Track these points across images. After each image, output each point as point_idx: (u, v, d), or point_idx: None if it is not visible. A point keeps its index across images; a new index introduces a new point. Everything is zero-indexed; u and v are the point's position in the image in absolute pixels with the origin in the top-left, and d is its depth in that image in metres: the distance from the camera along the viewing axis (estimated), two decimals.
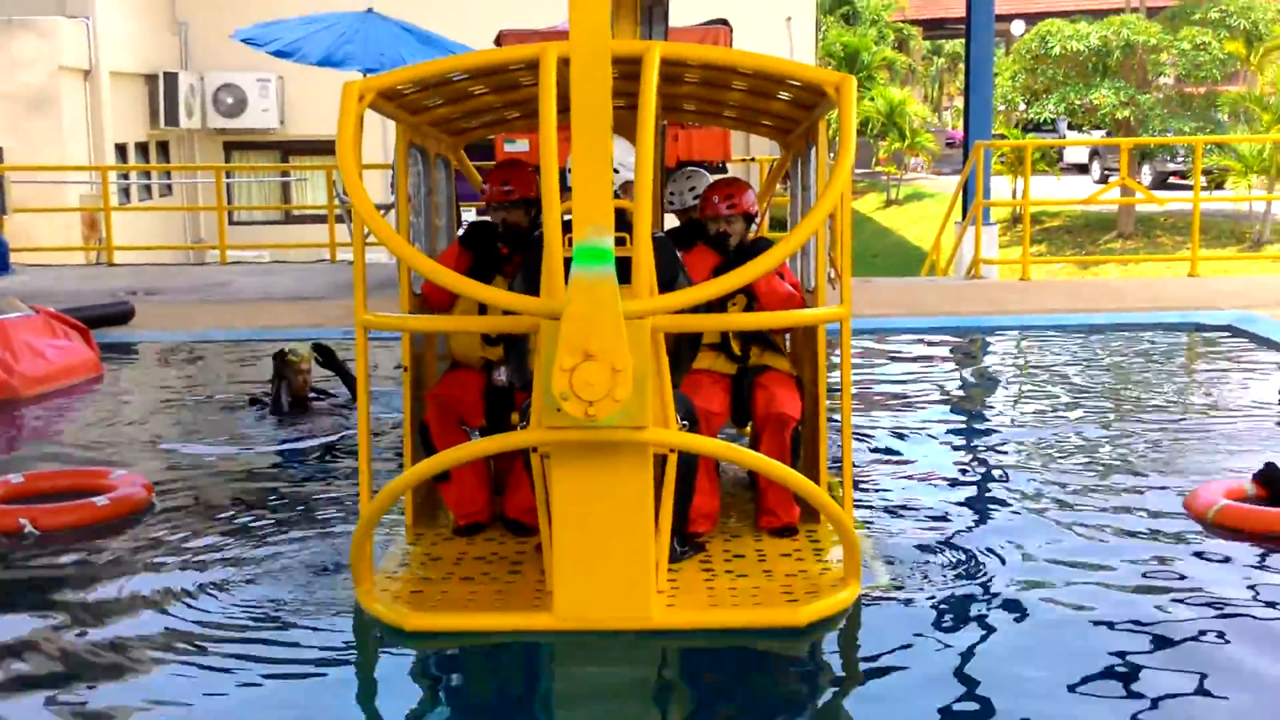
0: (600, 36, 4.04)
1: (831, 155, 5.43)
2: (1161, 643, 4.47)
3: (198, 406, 8.72)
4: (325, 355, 8.19)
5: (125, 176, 21.81)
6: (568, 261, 4.17)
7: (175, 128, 22.56)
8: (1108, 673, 4.24)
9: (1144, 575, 5.13)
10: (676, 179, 6.49)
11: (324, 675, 4.32)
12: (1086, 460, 6.86)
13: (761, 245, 5.42)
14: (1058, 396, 8.60)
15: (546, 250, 4.26)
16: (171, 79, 22.22)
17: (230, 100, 22.92)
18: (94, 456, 7.26)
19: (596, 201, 4.11)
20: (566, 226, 4.27)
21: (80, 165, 19.48)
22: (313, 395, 8.24)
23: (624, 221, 4.51)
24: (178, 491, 6.46)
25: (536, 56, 4.47)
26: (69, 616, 4.83)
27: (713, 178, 6.22)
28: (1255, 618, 4.70)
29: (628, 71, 4.75)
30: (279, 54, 13.78)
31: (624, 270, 4.25)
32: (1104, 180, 31.71)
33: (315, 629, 4.62)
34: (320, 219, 18.22)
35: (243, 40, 14.01)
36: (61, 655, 4.46)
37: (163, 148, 23.41)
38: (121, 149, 21.46)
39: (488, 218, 5.81)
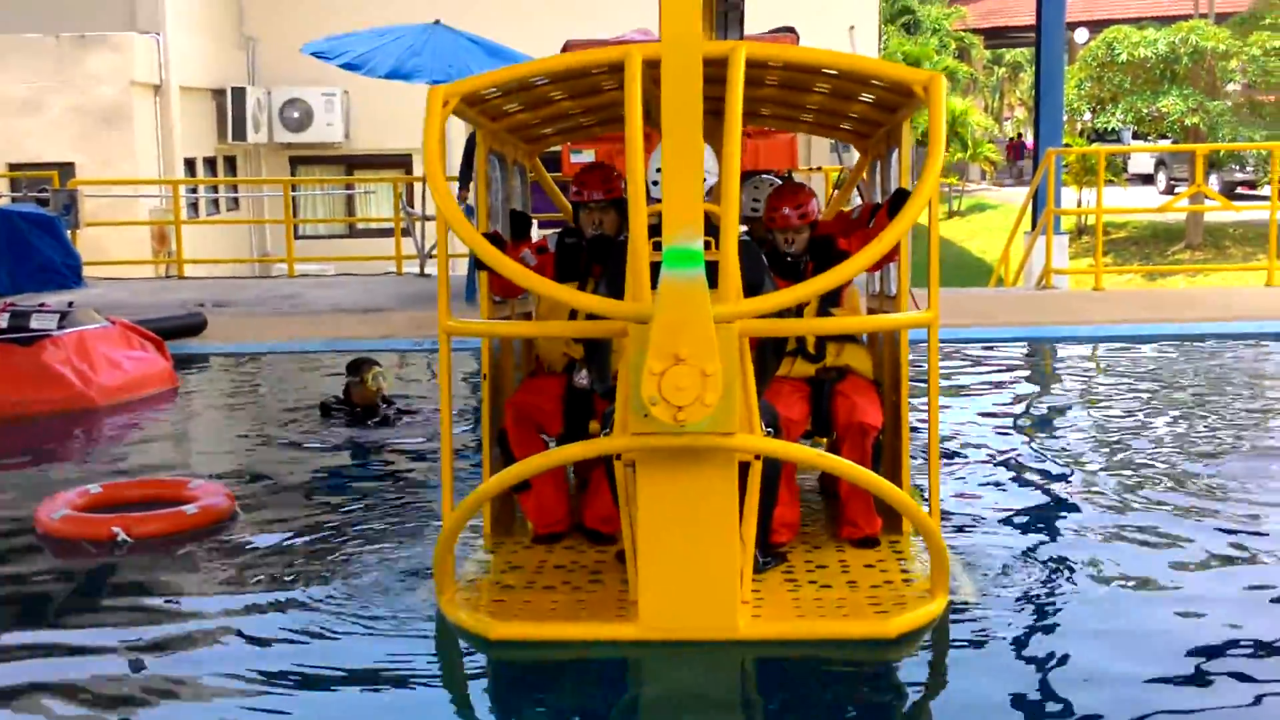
0: (692, 36, 4.00)
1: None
2: (1263, 655, 4.34)
3: (273, 417, 8.75)
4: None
5: (193, 190, 22.07)
6: (653, 266, 4.12)
7: (242, 142, 22.79)
8: (1205, 686, 4.13)
9: (1239, 588, 5.01)
10: (745, 188, 6.19)
11: (409, 684, 4.30)
12: (1169, 472, 6.70)
13: (901, 196, 5.15)
14: (1139, 408, 8.43)
15: (632, 254, 4.21)
16: (239, 94, 22.48)
17: (296, 114, 23.14)
18: (172, 466, 7.30)
19: (687, 204, 4.06)
20: (651, 231, 4.23)
21: (151, 179, 19.73)
22: (382, 402, 8.26)
23: (709, 226, 4.46)
24: (257, 501, 6.48)
25: (620, 60, 4.43)
26: (158, 623, 4.85)
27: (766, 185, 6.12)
28: None
29: (709, 75, 4.69)
30: (348, 66, 13.85)
31: (711, 274, 4.19)
32: (1170, 191, 31.20)
33: (399, 638, 4.59)
34: (385, 233, 18.31)
35: (312, 54, 14.10)
36: (149, 660, 4.47)
37: (230, 162, 23.68)
38: (190, 163, 21.72)
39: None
